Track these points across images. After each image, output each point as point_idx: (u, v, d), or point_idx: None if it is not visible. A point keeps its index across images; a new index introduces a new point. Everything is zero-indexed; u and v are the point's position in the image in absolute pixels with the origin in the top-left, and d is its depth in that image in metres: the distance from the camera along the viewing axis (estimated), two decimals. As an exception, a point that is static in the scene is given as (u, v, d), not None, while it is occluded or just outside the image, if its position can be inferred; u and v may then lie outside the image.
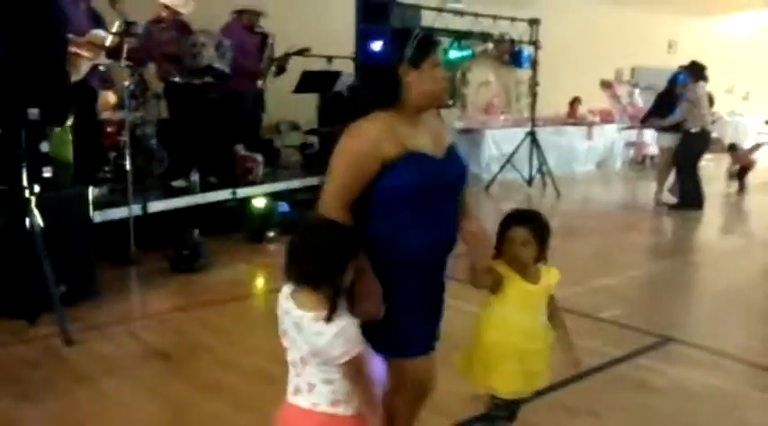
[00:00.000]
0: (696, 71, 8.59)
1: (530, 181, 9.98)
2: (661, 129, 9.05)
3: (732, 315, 4.74)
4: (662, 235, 7.97)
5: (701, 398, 3.29)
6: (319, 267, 1.91)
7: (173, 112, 6.53)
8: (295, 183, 7.37)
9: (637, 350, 3.86)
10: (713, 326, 4.36)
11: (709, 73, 8.81)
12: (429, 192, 2.18)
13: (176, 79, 6.24)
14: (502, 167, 10.04)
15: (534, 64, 10.10)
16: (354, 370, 1.93)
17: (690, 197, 8.58)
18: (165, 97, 6.56)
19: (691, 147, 8.57)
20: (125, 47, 5.36)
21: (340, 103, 8.27)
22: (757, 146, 11.31)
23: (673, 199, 8.83)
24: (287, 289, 1.98)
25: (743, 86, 12.50)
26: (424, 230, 2.19)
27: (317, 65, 7.89)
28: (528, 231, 2.41)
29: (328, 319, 1.87)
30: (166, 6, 6.22)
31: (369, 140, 2.12)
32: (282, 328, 1.99)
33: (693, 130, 8.45)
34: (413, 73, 2.15)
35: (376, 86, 2.26)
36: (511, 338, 2.48)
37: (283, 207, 6.72)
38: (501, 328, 2.49)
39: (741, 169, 10.69)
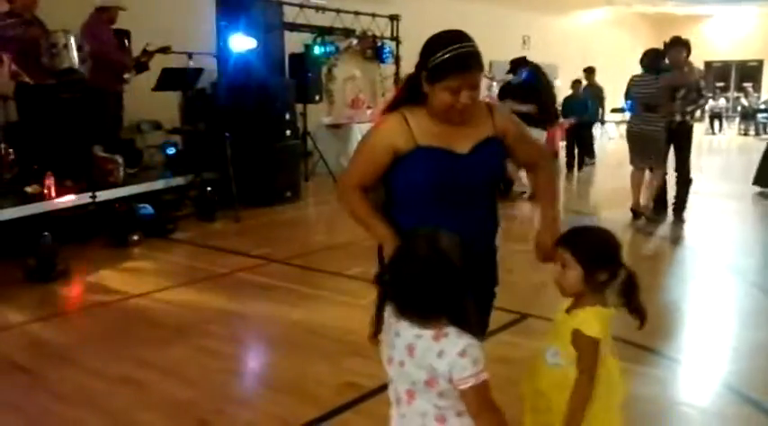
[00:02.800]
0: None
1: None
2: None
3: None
4: (509, 220, 8.34)
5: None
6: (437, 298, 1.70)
7: (23, 114, 6.17)
8: (159, 184, 7.17)
9: (500, 327, 4.07)
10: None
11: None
12: (445, 188, 2.15)
13: (27, 80, 5.89)
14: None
15: (397, 59, 10.37)
16: (480, 399, 1.69)
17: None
18: (15, 98, 6.16)
19: None
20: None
21: (203, 101, 8.12)
22: None
23: None
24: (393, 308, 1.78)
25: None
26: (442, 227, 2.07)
27: (178, 62, 7.69)
28: (568, 252, 2.01)
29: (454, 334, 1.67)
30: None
31: (383, 132, 2.20)
32: (390, 353, 1.78)
33: None
34: (427, 85, 2.14)
35: (405, 83, 2.30)
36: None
37: (147, 209, 6.54)
38: None
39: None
